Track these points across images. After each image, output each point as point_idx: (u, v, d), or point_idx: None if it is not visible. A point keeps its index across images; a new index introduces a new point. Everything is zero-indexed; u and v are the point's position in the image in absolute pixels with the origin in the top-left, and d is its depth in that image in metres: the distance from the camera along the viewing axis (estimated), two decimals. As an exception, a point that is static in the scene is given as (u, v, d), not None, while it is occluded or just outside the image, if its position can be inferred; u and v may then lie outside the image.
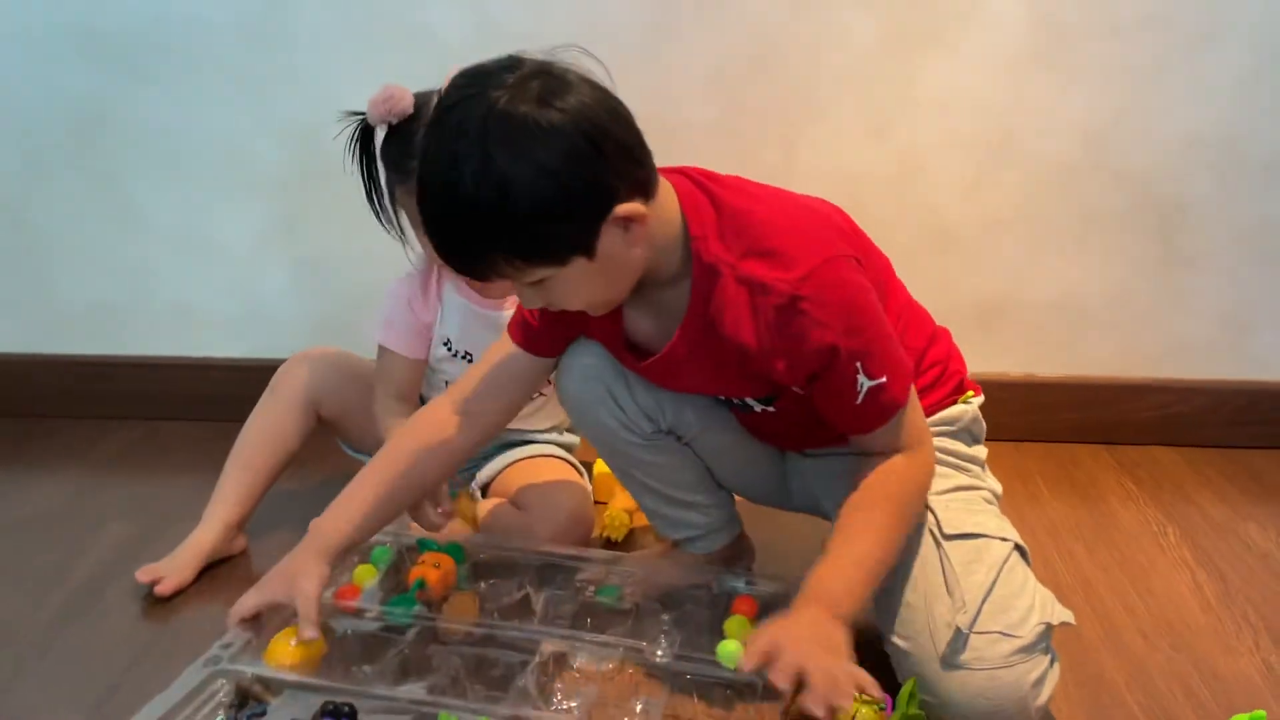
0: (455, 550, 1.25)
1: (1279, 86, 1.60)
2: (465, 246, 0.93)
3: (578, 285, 0.97)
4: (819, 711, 0.88)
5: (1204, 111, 1.62)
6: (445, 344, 1.42)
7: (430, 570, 1.19)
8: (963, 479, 1.15)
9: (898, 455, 1.05)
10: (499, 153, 0.87)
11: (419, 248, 1.39)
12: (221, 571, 1.37)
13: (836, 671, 0.90)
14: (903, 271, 1.20)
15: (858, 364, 0.99)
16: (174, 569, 1.32)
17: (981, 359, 1.65)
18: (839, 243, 1.02)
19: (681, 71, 1.65)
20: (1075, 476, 1.66)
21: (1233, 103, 1.61)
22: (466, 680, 1.06)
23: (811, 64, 1.64)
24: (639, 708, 1.04)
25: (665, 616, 1.14)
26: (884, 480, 1.04)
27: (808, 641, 0.93)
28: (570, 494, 1.40)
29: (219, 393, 1.83)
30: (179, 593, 1.31)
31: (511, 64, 0.91)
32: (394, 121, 1.30)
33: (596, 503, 1.55)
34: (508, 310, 1.39)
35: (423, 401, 1.45)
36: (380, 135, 1.34)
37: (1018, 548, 1.08)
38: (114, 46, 1.70)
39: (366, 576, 1.22)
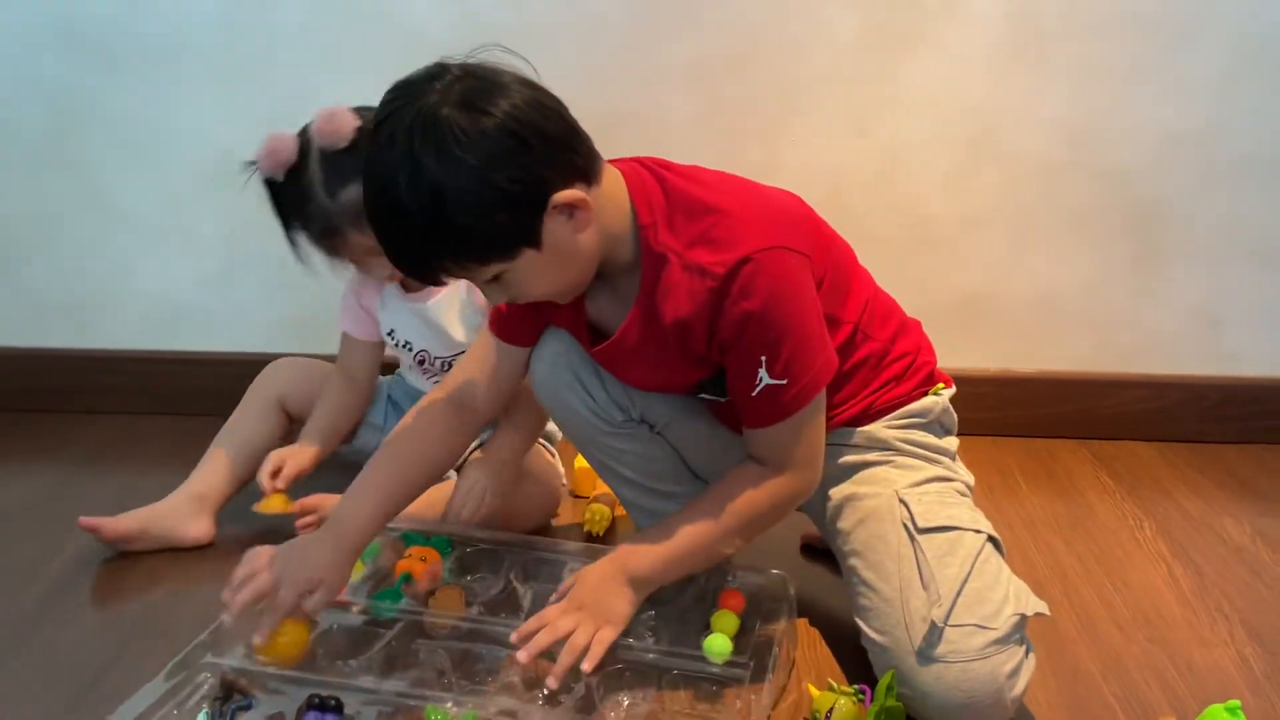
0: (441, 544, 1.25)
1: (1255, 86, 1.62)
2: (413, 254, 0.96)
3: (533, 275, 0.98)
4: (521, 656, 1.01)
5: (1181, 110, 1.64)
6: (390, 334, 1.47)
7: (416, 564, 1.19)
8: (935, 470, 1.16)
9: (766, 472, 1.08)
10: (428, 160, 0.90)
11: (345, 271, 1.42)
12: (198, 566, 1.36)
13: (554, 631, 1.02)
14: (883, 267, 1.20)
15: (762, 357, 1.01)
16: (114, 519, 1.35)
17: (961, 354, 1.66)
18: (789, 234, 1.02)
19: (663, 67, 1.65)
20: (1053, 470, 1.68)
21: (1209, 102, 1.63)
22: (453, 674, 1.06)
23: (793, 61, 1.64)
24: (626, 703, 1.04)
25: (651, 612, 1.13)
26: (734, 489, 1.09)
27: (586, 587, 1.06)
28: (545, 485, 1.43)
29: (196, 387, 1.82)
30: (120, 544, 1.35)
31: (437, 72, 0.93)
32: (280, 175, 1.32)
33: (577, 497, 1.56)
34: (432, 302, 1.42)
35: None
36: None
37: (991, 539, 1.09)
38: (91, 38, 1.68)
39: (354, 570, 1.20)
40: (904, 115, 1.66)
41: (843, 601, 1.15)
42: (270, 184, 1.34)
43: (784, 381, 1.02)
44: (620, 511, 1.46)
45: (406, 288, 1.45)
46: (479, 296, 1.39)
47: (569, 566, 1.24)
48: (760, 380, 1.02)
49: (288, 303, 1.81)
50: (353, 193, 1.28)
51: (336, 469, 1.47)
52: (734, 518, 1.09)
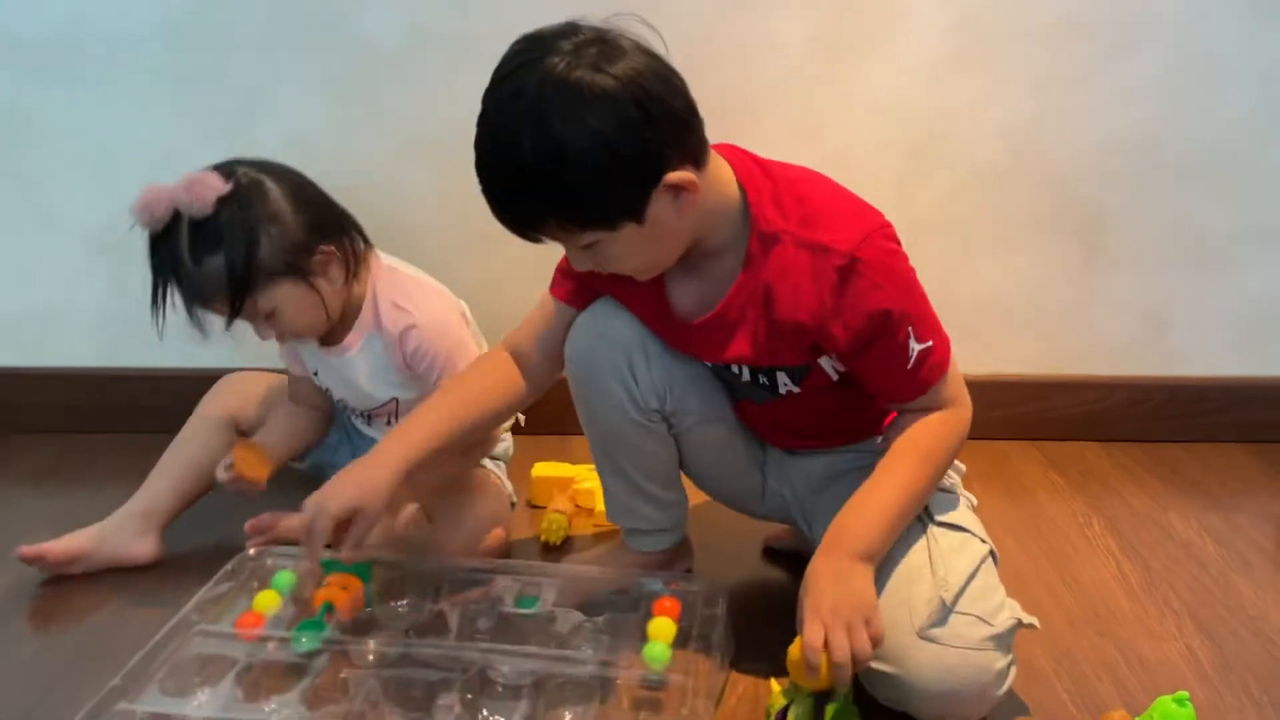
0: (363, 570, 1.19)
1: (1193, 92, 1.66)
2: (520, 208, 0.96)
3: (627, 250, 0.99)
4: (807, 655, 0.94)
5: (1122, 116, 1.67)
6: (315, 374, 1.46)
7: (337, 592, 1.14)
8: (946, 483, 1.18)
9: (935, 413, 1.08)
10: (554, 118, 0.90)
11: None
12: (142, 586, 1.33)
13: (840, 639, 0.95)
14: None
15: (909, 328, 1.03)
16: (55, 543, 1.32)
17: (912, 358, 1.68)
18: (881, 217, 1.05)
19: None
20: (1004, 471, 1.70)
21: (1150, 108, 1.67)
22: (385, 703, 1.02)
23: (741, 69, 1.66)
24: (568, 717, 1.02)
25: (588, 623, 1.12)
26: (915, 435, 1.08)
27: (830, 596, 0.97)
28: (484, 507, 1.39)
29: (143, 403, 1.79)
30: (65, 569, 1.33)
31: (569, 30, 0.94)
32: (158, 230, 1.25)
33: (534, 507, 1.55)
34: (343, 357, 1.40)
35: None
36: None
37: (992, 553, 1.11)
38: (34, 51, 1.65)
39: (270, 603, 1.15)
40: (852, 122, 1.68)
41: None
42: (150, 239, 1.27)
43: (931, 343, 1.05)
44: (579, 527, 1.46)
45: (322, 341, 1.40)
46: (397, 359, 1.37)
47: (499, 584, 1.21)
48: (913, 351, 1.04)
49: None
50: (214, 265, 1.23)
51: (289, 487, 1.45)
52: (932, 461, 1.07)
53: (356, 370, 1.40)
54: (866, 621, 0.96)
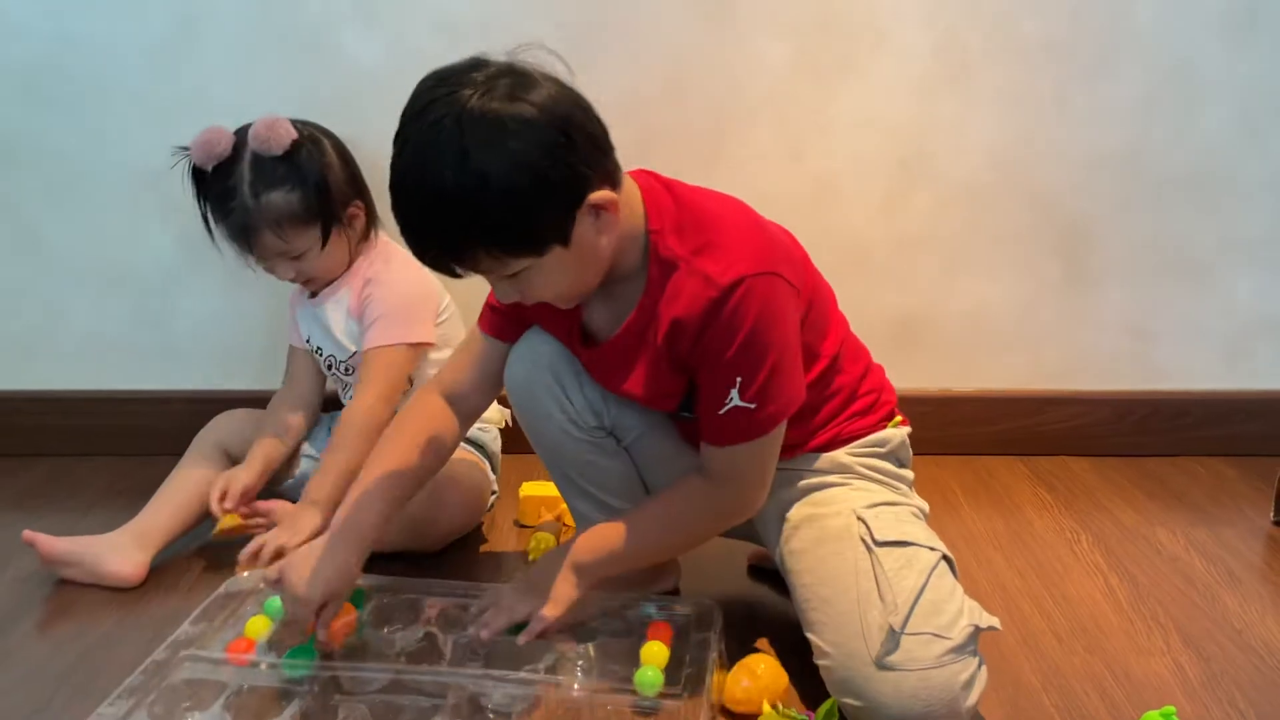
0: (355, 596, 1.20)
1: (1172, 109, 1.68)
2: (446, 243, 0.96)
3: (554, 275, 1.00)
4: (483, 634, 1.11)
5: (1102, 133, 1.69)
6: (307, 340, 1.56)
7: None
8: (890, 495, 1.19)
9: (715, 486, 1.11)
10: (475, 148, 0.90)
11: (256, 270, 1.49)
12: (132, 610, 1.33)
13: (509, 612, 1.12)
14: (819, 290, 1.21)
15: (738, 378, 1.03)
16: (55, 540, 1.35)
17: (898, 375, 1.66)
18: (783, 264, 1.05)
19: (596, 95, 1.64)
20: (991, 487, 1.70)
21: (1130, 125, 1.68)
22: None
23: (727, 89, 1.67)
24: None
25: (579, 648, 1.12)
26: (684, 504, 1.13)
27: (539, 576, 1.14)
28: (458, 470, 1.43)
29: (130, 426, 1.78)
30: (52, 566, 1.35)
31: (477, 64, 0.95)
32: (214, 165, 1.38)
33: (522, 526, 1.55)
34: (325, 304, 1.50)
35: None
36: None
37: (945, 558, 1.11)
38: (16, 74, 1.65)
39: (260, 628, 1.15)
40: (837, 141, 1.69)
41: (791, 621, 1.15)
42: (198, 174, 1.40)
43: (753, 406, 1.04)
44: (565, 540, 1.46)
45: (311, 292, 1.51)
46: (354, 305, 1.48)
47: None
48: (730, 400, 1.04)
49: (222, 339, 1.78)
50: (275, 197, 1.37)
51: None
52: (679, 528, 1.15)
53: (329, 316, 1.50)
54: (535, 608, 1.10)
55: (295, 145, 1.39)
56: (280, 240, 1.40)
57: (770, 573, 1.38)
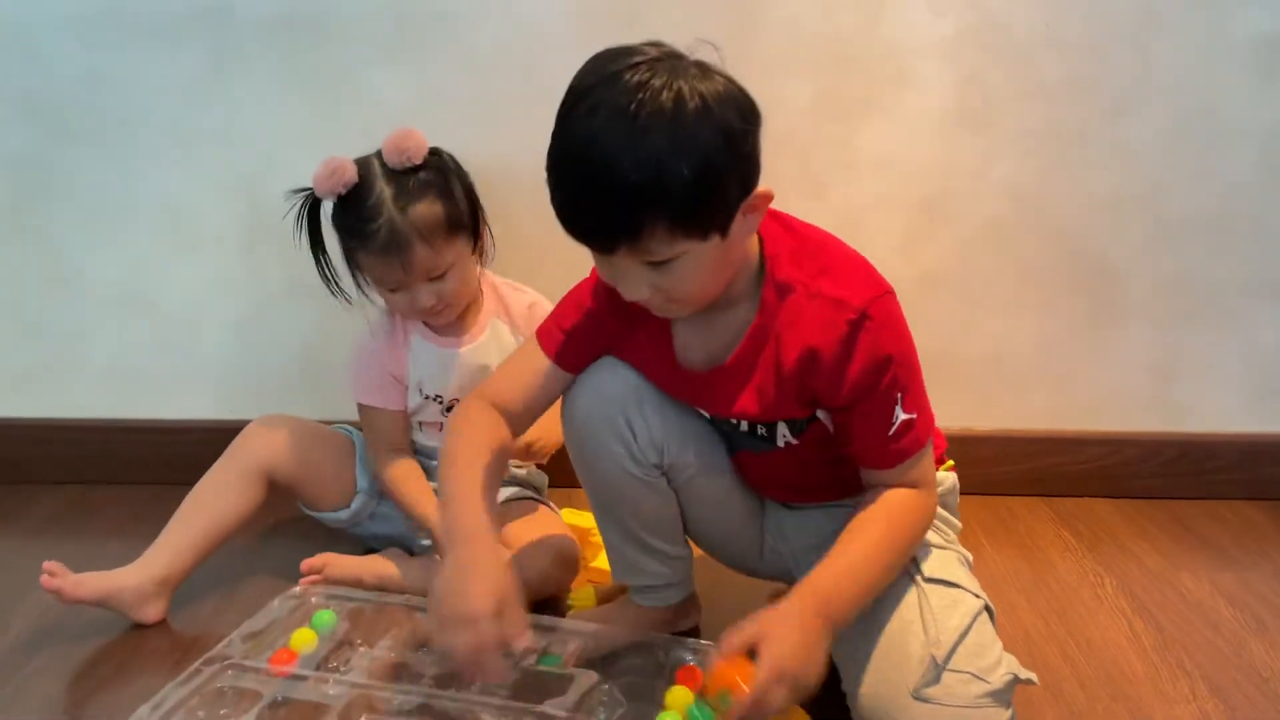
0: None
1: (1194, 149, 1.67)
2: (627, 211, 0.91)
3: (701, 268, 0.97)
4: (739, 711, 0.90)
5: (1125, 173, 1.68)
6: (419, 389, 1.48)
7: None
8: (938, 539, 1.17)
9: (912, 493, 1.07)
10: (679, 116, 0.89)
11: (379, 303, 1.47)
12: (145, 647, 1.33)
13: (779, 696, 0.90)
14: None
15: (899, 394, 1.03)
16: (76, 583, 1.31)
17: (920, 413, 1.68)
18: (888, 284, 1.07)
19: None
20: (1014, 528, 1.69)
21: (1152, 165, 1.68)
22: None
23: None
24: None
25: (606, 686, 1.11)
26: (887, 506, 1.06)
27: (790, 645, 0.91)
28: (558, 537, 1.41)
29: (154, 455, 1.80)
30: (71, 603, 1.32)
31: (656, 44, 0.94)
32: (342, 192, 1.37)
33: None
34: (465, 349, 1.47)
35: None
36: (328, 207, 1.40)
37: (988, 608, 1.10)
38: (50, 110, 1.68)
39: (306, 641, 1.18)
40: (859, 178, 1.69)
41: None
42: (314, 208, 1.40)
43: (914, 415, 1.05)
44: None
45: (435, 330, 1.47)
46: (527, 332, 1.46)
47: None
48: (896, 418, 1.04)
49: (248, 369, 1.80)
50: (421, 209, 1.35)
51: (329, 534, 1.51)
52: (901, 531, 1.05)
53: (487, 353, 1.47)
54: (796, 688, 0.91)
55: (431, 154, 1.40)
56: (431, 252, 1.36)
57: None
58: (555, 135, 0.94)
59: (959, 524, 1.24)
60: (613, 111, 0.89)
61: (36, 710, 1.20)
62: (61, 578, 1.31)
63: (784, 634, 0.92)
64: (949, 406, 1.77)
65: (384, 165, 1.38)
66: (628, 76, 0.90)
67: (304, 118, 1.67)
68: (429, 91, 1.65)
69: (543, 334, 1.17)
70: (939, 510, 1.19)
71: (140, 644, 1.32)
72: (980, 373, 1.77)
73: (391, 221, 1.34)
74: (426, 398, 1.48)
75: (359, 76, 1.66)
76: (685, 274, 0.97)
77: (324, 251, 1.43)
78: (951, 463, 1.25)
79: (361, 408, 1.49)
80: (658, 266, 0.96)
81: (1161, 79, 1.64)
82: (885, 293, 1.04)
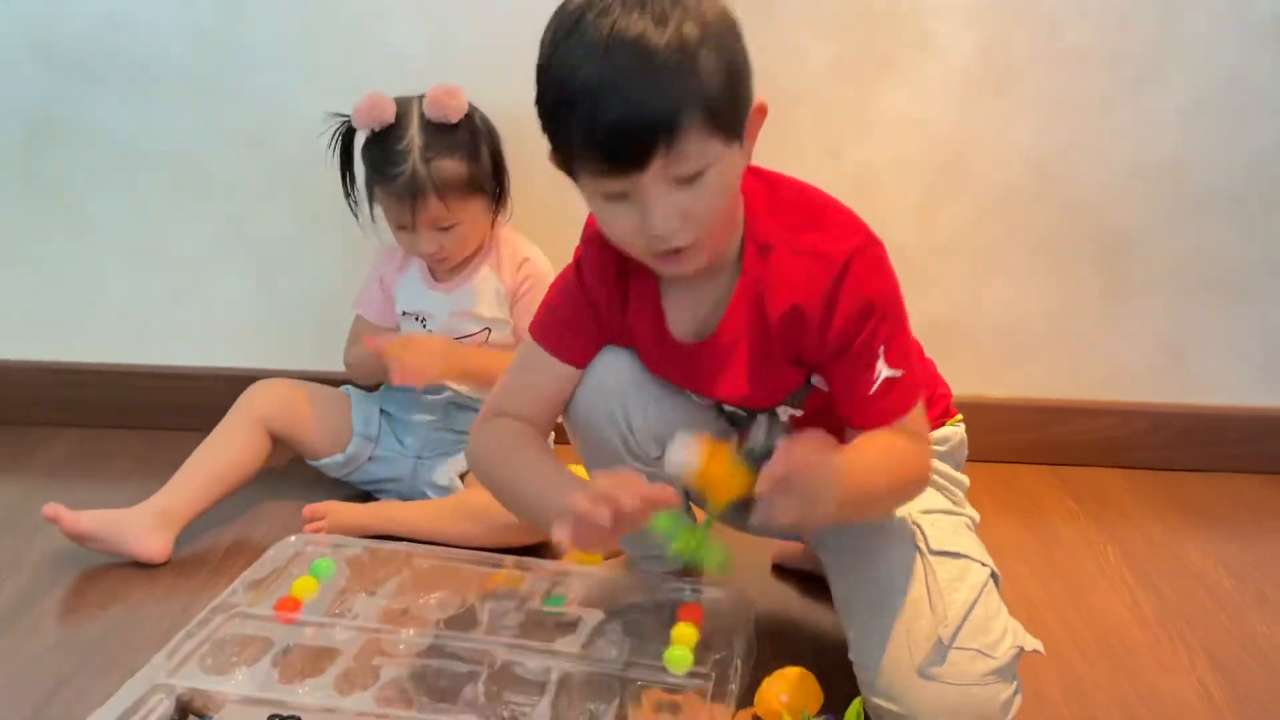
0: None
1: (1218, 121, 1.65)
2: (662, 111, 0.87)
3: (727, 184, 0.95)
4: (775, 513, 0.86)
5: (1145, 144, 1.66)
6: (404, 314, 1.57)
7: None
8: (946, 503, 1.16)
9: (914, 440, 1.04)
10: (678, 13, 0.88)
11: (387, 239, 1.56)
12: (159, 584, 1.35)
13: (785, 507, 0.86)
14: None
15: (881, 346, 1.01)
16: (76, 515, 1.35)
17: (930, 380, 1.68)
18: (873, 233, 1.04)
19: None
20: (1019, 496, 1.69)
21: (1174, 136, 1.66)
22: (414, 691, 1.05)
23: (768, 85, 1.64)
24: (591, 713, 1.04)
25: (612, 625, 1.13)
26: (880, 439, 1.01)
27: (807, 459, 0.85)
28: None
29: (167, 401, 1.81)
30: (76, 541, 1.36)
31: None
32: (376, 129, 1.43)
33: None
34: (455, 293, 1.52)
35: None
36: (361, 137, 1.47)
37: (994, 575, 1.09)
38: (66, 54, 1.67)
39: (308, 589, 1.20)
40: (877, 140, 1.67)
41: (813, 622, 1.15)
42: (349, 137, 1.47)
43: (900, 373, 1.02)
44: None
45: (435, 277, 1.54)
46: (510, 282, 1.52)
47: (528, 581, 1.25)
48: (879, 374, 1.01)
49: (259, 317, 1.80)
50: (447, 165, 1.41)
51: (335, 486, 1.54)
52: (899, 475, 1.02)
53: (476, 298, 1.52)
54: (803, 514, 0.87)
55: (466, 116, 1.44)
56: (443, 207, 1.41)
57: (794, 572, 1.38)
58: (558, 58, 0.90)
59: (966, 480, 1.23)
60: (628, 6, 0.88)
61: (48, 651, 1.21)
62: (57, 509, 1.35)
63: (804, 450, 0.86)
64: (958, 374, 1.75)
65: (422, 114, 1.42)
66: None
67: (318, 68, 1.66)
68: (444, 41, 1.63)
69: (541, 333, 1.14)
70: (946, 469, 1.19)
71: (149, 589, 1.34)
72: (990, 340, 1.76)
73: (414, 169, 1.39)
74: (405, 314, 1.56)
75: (374, 27, 1.64)
76: (714, 189, 0.93)
77: (351, 174, 1.50)
78: (960, 416, 1.24)
79: (356, 315, 1.61)
80: (689, 183, 0.92)
81: (1187, 50, 1.62)
82: (868, 241, 1.02)
